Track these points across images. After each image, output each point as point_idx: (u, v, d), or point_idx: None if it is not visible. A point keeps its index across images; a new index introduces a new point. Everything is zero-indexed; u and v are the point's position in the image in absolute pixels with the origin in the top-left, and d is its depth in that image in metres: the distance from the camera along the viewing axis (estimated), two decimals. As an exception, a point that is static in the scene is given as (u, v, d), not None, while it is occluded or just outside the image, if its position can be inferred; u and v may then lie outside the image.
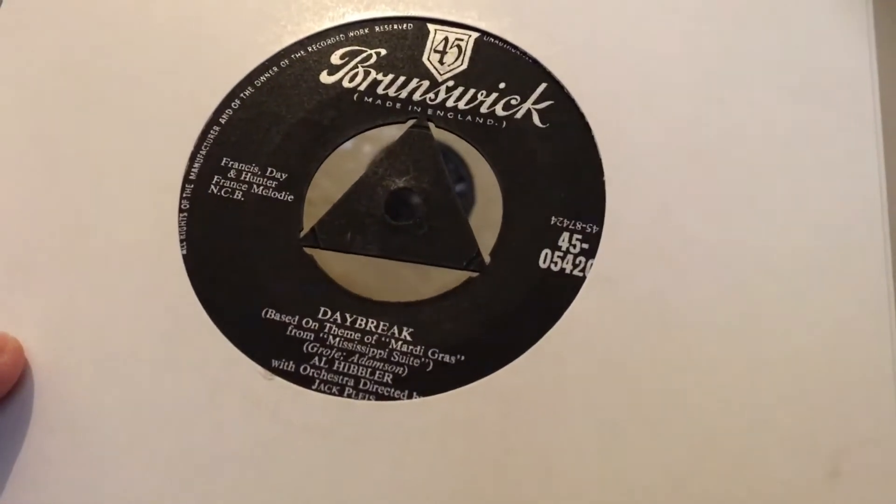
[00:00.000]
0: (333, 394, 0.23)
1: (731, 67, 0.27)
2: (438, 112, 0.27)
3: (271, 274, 0.25)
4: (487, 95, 0.27)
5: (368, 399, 0.23)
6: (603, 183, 0.25)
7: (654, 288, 0.24)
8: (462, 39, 0.28)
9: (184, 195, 0.26)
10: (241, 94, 0.27)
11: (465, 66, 0.27)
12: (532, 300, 0.24)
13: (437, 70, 0.27)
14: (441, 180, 0.26)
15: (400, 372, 0.24)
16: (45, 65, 0.28)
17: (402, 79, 0.27)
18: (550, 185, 0.26)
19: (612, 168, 0.26)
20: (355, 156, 0.26)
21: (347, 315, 0.24)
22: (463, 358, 0.24)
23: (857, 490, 0.22)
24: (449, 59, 0.27)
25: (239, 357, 0.24)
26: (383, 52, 0.28)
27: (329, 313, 0.24)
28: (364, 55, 0.28)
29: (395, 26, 0.28)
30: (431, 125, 0.27)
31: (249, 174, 0.26)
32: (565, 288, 0.24)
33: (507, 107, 0.27)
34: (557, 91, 0.27)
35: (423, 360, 0.24)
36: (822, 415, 0.22)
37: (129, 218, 0.26)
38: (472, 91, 0.27)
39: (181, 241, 0.25)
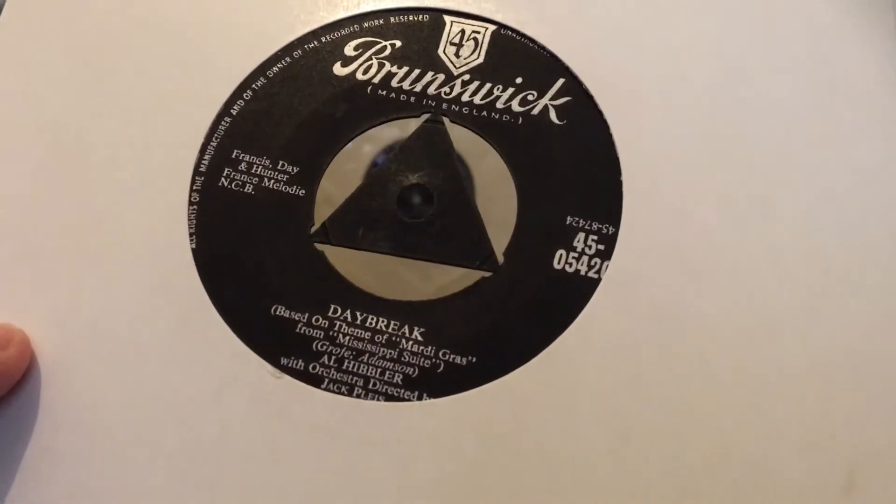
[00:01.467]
0: (343, 393, 0.23)
1: (753, 67, 0.26)
2: (453, 107, 0.26)
3: (281, 270, 0.25)
4: (504, 90, 0.26)
5: (378, 400, 0.23)
6: (620, 183, 0.25)
7: (670, 291, 0.23)
8: (479, 32, 0.27)
9: (194, 188, 0.25)
10: (253, 85, 0.27)
11: (481, 59, 0.27)
12: (546, 302, 0.24)
13: (452, 63, 0.27)
14: (455, 177, 0.25)
15: (410, 372, 0.23)
16: (53, 54, 0.27)
17: (416, 72, 0.27)
18: (566, 184, 0.25)
19: (629, 167, 0.25)
20: (355, 156, 0.26)
21: (358, 313, 0.24)
22: (474, 359, 0.23)
23: None
24: (465, 52, 0.27)
25: (248, 354, 0.23)
26: (398, 43, 0.27)
27: (339, 311, 0.24)
28: (378, 47, 0.27)
29: (411, 17, 0.28)
30: (446, 120, 0.26)
31: (260, 167, 0.26)
32: (580, 290, 0.24)
33: (523, 102, 0.26)
34: (575, 87, 0.26)
35: (433, 360, 0.23)
36: (837, 427, 0.22)
37: (138, 210, 0.25)
38: (488, 85, 0.26)
39: (190, 234, 0.25)
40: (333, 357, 0.23)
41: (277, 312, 0.24)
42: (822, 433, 0.22)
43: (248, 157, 0.26)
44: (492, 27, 0.27)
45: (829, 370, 0.22)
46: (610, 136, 0.25)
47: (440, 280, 0.24)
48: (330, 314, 0.24)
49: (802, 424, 0.22)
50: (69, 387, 0.23)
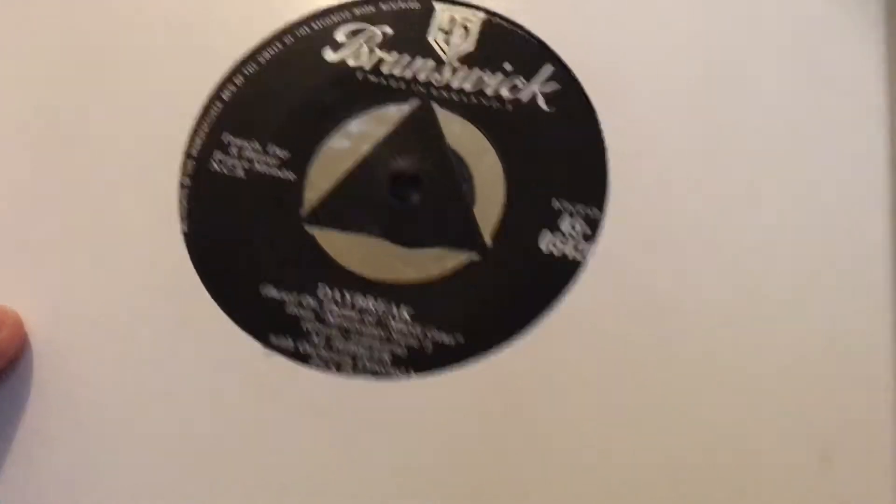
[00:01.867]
0: (331, 371, 0.23)
1: (741, 57, 0.26)
2: (443, 93, 0.27)
3: (271, 251, 0.25)
4: (493, 78, 0.27)
5: (366, 378, 0.23)
6: (606, 168, 0.25)
7: (653, 274, 0.24)
8: (469, 20, 0.28)
9: (185, 171, 0.26)
10: (245, 70, 0.27)
11: (471, 46, 0.27)
12: (532, 283, 0.24)
13: (443, 50, 0.27)
14: (444, 162, 0.26)
15: (398, 351, 0.23)
16: (45, 39, 0.28)
17: (407, 58, 0.27)
18: (554, 169, 0.25)
19: (616, 154, 0.25)
20: (346, 141, 0.26)
21: (347, 293, 0.24)
22: (462, 339, 0.23)
23: (847, 475, 0.22)
24: (455, 39, 0.27)
25: (238, 333, 0.24)
26: (389, 30, 0.27)
27: (329, 292, 0.24)
28: (369, 33, 0.27)
29: (402, 4, 0.28)
30: (436, 106, 0.26)
31: (251, 151, 0.26)
32: (566, 272, 0.24)
33: (512, 90, 0.26)
34: (564, 75, 0.27)
35: (421, 340, 0.24)
36: (814, 401, 0.22)
37: (129, 193, 0.25)
38: (477, 72, 0.27)
39: (182, 217, 0.25)
40: (322, 336, 0.24)
41: (267, 293, 0.24)
42: (799, 408, 0.22)
43: (239, 141, 0.26)
44: (482, 15, 0.28)
45: (808, 350, 0.23)
46: (597, 122, 0.26)
47: (429, 262, 0.25)
48: (319, 294, 0.24)
49: (780, 400, 0.22)
50: (60, 369, 0.24)
